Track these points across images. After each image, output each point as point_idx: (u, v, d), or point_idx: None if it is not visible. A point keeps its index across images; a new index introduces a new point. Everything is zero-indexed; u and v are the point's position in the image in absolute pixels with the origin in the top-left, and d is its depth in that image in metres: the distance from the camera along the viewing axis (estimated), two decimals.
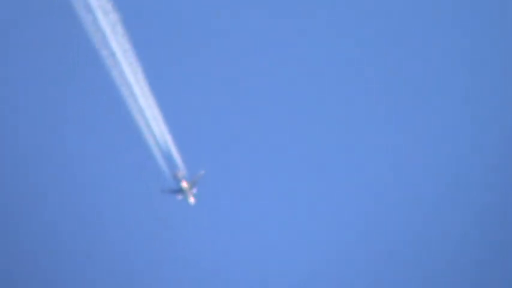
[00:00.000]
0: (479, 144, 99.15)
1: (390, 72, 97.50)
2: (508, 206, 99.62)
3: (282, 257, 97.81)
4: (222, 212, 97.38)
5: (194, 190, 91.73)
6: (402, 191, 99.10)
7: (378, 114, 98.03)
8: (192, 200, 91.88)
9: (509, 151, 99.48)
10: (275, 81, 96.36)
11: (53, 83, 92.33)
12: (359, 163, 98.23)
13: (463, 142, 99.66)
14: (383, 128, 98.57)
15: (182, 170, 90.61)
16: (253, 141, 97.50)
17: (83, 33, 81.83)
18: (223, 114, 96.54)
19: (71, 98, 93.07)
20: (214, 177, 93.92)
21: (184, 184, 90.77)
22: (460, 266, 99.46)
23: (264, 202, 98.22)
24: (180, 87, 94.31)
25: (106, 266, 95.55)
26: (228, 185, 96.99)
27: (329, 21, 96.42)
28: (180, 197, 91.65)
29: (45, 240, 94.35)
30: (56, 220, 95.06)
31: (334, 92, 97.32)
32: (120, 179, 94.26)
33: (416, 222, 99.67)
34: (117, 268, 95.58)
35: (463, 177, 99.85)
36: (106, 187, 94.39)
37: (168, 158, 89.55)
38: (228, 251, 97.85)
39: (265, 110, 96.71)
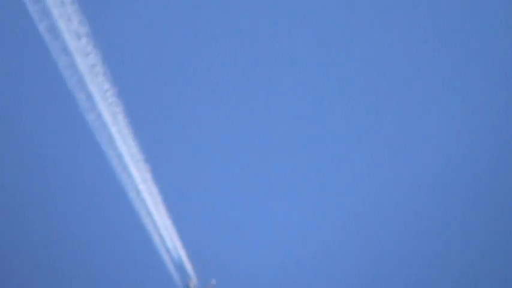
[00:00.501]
0: (481, 145, 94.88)
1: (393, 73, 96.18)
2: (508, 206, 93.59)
3: None
4: None
5: None
6: (401, 191, 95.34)
7: (376, 116, 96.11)
8: None
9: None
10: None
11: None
12: (360, 164, 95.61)
13: (463, 142, 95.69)
14: (380, 129, 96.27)
15: (194, 279, 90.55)
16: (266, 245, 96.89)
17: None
18: (235, 218, 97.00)
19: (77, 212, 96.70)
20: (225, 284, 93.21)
21: None
22: (460, 266, 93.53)
23: None
24: (192, 192, 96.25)
25: None
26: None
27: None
28: None
29: None
30: None
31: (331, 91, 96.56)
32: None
33: (416, 222, 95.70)
34: None
35: (463, 177, 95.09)
36: None
37: (180, 267, 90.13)
38: None
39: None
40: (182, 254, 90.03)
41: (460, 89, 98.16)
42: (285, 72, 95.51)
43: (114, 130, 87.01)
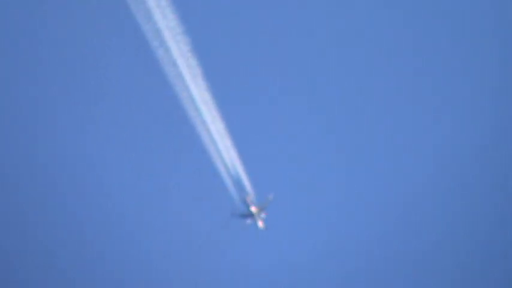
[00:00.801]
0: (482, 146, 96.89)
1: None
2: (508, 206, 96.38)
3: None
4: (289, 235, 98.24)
5: (263, 214, 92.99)
6: (401, 191, 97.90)
7: (377, 119, 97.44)
8: (261, 224, 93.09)
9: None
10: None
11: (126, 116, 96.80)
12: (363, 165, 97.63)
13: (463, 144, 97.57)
14: (383, 130, 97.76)
15: (251, 195, 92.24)
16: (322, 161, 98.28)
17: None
18: (293, 139, 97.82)
19: (146, 130, 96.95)
20: (283, 202, 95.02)
21: (254, 209, 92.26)
22: (460, 267, 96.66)
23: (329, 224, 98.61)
24: (251, 111, 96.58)
25: None
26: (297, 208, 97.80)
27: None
28: (249, 221, 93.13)
29: None
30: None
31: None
32: (190, 203, 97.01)
33: (416, 222, 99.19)
34: None
35: (463, 178, 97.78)
36: (177, 211, 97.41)
37: (238, 183, 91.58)
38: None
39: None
40: (240, 170, 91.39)
41: (460, 89, 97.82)
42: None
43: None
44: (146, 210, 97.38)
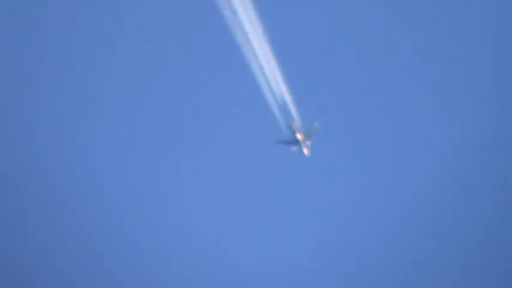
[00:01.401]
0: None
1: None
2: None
3: None
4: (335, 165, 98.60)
5: (309, 142, 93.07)
6: (400, 192, 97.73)
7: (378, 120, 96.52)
8: (306, 151, 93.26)
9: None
10: None
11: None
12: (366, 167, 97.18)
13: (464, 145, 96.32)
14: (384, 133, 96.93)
15: (297, 122, 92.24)
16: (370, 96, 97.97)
17: None
18: (342, 68, 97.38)
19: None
20: (329, 130, 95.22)
21: (299, 135, 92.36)
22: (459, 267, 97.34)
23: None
24: (300, 40, 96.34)
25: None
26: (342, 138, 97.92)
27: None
28: (294, 148, 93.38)
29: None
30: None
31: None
32: (236, 128, 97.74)
33: (416, 223, 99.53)
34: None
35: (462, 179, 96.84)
36: (226, 136, 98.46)
37: (284, 109, 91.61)
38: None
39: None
40: (287, 97, 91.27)
41: (461, 89, 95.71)
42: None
43: None
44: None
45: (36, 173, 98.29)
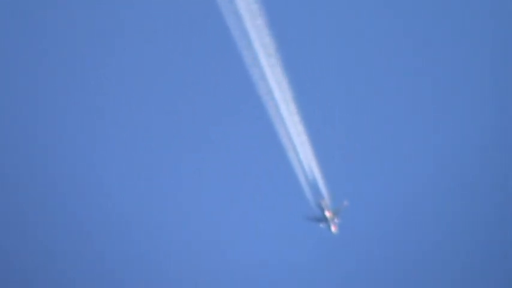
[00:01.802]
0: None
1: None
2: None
3: None
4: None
5: (337, 220, 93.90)
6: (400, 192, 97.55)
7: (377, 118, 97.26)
8: (334, 229, 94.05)
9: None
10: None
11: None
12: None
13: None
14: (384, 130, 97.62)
15: (326, 199, 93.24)
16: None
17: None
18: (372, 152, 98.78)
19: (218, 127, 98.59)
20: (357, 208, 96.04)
21: (328, 213, 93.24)
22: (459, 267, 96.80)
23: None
24: (333, 119, 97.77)
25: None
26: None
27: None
28: (322, 225, 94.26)
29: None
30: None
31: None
32: (265, 203, 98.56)
33: (416, 223, 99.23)
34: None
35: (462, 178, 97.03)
36: (251, 209, 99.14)
37: (314, 187, 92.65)
38: None
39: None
40: (317, 174, 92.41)
41: (462, 89, 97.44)
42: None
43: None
44: (208, 211, 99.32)
45: (36, 173, 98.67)
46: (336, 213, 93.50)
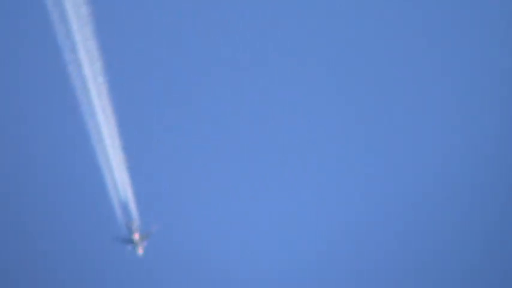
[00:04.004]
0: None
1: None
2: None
3: None
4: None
5: (145, 243, 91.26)
6: (400, 192, 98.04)
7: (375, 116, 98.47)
8: (141, 251, 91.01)
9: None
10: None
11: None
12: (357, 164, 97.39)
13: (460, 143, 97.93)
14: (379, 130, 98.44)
15: (136, 222, 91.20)
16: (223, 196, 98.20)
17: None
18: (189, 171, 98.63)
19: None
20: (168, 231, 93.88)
21: (136, 236, 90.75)
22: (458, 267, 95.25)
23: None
24: (152, 140, 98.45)
25: None
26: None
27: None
28: (130, 247, 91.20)
29: None
30: None
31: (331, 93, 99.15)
32: (75, 220, 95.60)
33: (416, 223, 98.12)
34: None
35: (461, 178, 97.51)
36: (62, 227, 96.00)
37: (125, 208, 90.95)
38: None
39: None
40: (129, 195, 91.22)
41: (460, 90, 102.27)
42: (285, 71, 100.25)
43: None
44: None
45: (37, 173, 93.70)
46: (145, 236, 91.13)
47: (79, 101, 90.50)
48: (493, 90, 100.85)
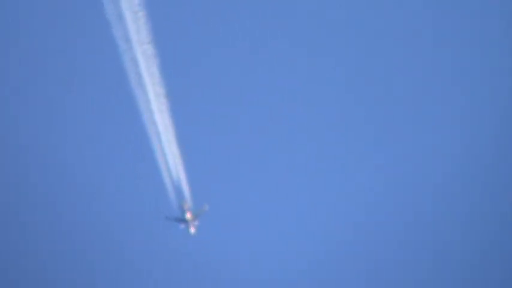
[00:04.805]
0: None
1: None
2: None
3: None
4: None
5: (197, 222, 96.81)
6: (401, 192, 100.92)
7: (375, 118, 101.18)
8: (192, 230, 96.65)
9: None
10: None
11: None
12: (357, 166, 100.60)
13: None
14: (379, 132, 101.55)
15: (188, 202, 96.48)
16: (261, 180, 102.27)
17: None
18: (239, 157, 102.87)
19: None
20: (218, 214, 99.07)
21: (189, 215, 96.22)
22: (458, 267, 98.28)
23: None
24: (202, 123, 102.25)
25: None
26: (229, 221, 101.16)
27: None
28: (182, 226, 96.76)
29: None
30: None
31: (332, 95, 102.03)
32: (130, 201, 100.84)
33: (416, 223, 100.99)
34: None
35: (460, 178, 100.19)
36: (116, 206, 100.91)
37: (178, 189, 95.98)
38: None
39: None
40: (182, 176, 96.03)
41: (460, 89, 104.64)
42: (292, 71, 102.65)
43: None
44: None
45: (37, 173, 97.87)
46: (196, 215, 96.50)
47: (137, 97, 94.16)
48: (493, 90, 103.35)
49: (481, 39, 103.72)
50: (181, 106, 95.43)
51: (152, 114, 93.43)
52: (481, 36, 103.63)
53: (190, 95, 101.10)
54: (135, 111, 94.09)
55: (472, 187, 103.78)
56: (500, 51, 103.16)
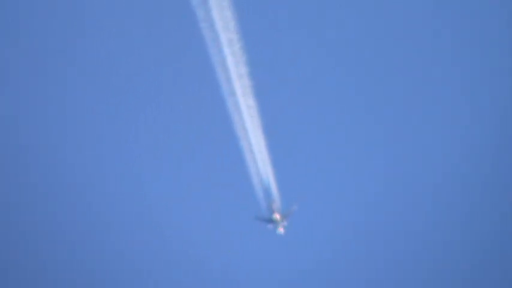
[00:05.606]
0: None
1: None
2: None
3: None
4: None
5: (285, 222, 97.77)
6: (402, 192, 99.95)
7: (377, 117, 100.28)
8: (281, 231, 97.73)
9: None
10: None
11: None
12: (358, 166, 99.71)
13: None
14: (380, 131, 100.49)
15: (277, 202, 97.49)
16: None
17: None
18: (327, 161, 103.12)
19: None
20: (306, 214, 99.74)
21: (277, 216, 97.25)
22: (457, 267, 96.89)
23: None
24: (292, 125, 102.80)
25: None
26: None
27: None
28: (270, 226, 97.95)
29: None
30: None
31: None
32: (220, 200, 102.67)
33: (416, 223, 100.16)
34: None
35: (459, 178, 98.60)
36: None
37: (267, 189, 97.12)
38: None
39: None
40: (271, 177, 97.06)
41: (461, 90, 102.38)
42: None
43: None
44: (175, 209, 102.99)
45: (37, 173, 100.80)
46: (284, 216, 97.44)
47: (226, 99, 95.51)
48: (493, 90, 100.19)
49: (481, 39, 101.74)
50: (270, 105, 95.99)
51: (241, 115, 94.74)
52: (481, 36, 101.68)
53: (279, 94, 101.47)
54: (224, 111, 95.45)
55: (472, 187, 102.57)
56: (500, 51, 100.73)
